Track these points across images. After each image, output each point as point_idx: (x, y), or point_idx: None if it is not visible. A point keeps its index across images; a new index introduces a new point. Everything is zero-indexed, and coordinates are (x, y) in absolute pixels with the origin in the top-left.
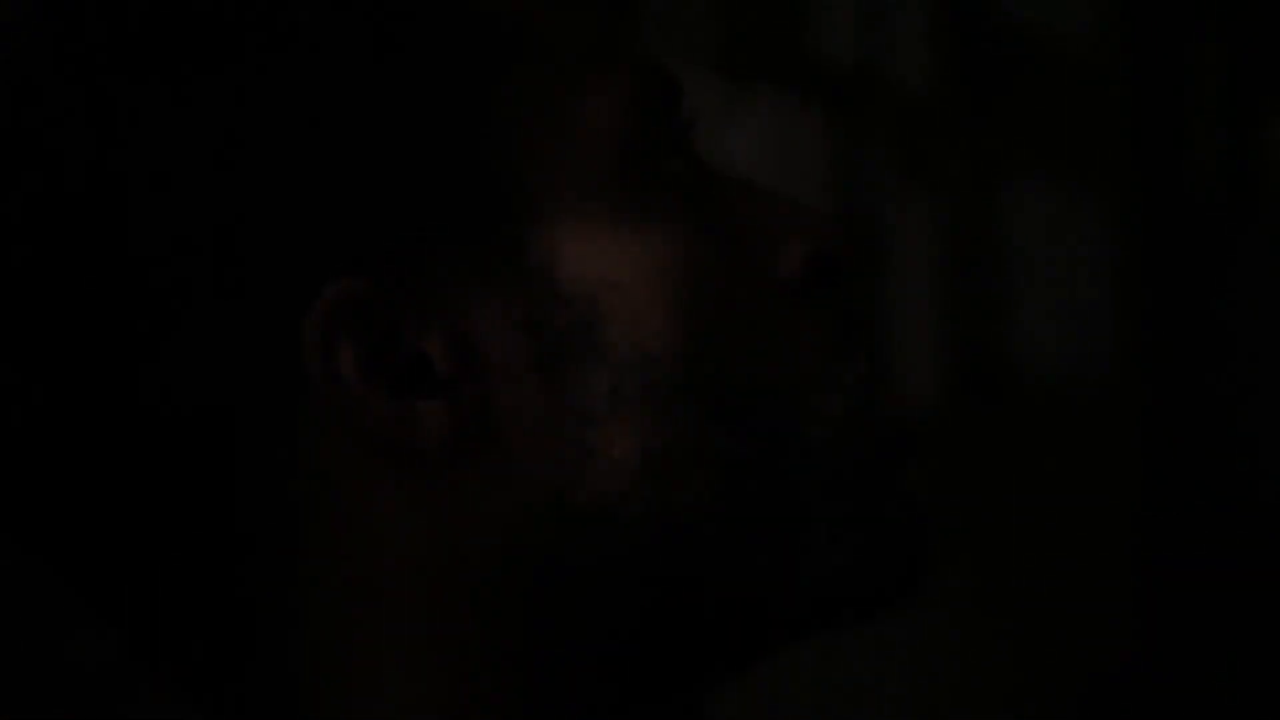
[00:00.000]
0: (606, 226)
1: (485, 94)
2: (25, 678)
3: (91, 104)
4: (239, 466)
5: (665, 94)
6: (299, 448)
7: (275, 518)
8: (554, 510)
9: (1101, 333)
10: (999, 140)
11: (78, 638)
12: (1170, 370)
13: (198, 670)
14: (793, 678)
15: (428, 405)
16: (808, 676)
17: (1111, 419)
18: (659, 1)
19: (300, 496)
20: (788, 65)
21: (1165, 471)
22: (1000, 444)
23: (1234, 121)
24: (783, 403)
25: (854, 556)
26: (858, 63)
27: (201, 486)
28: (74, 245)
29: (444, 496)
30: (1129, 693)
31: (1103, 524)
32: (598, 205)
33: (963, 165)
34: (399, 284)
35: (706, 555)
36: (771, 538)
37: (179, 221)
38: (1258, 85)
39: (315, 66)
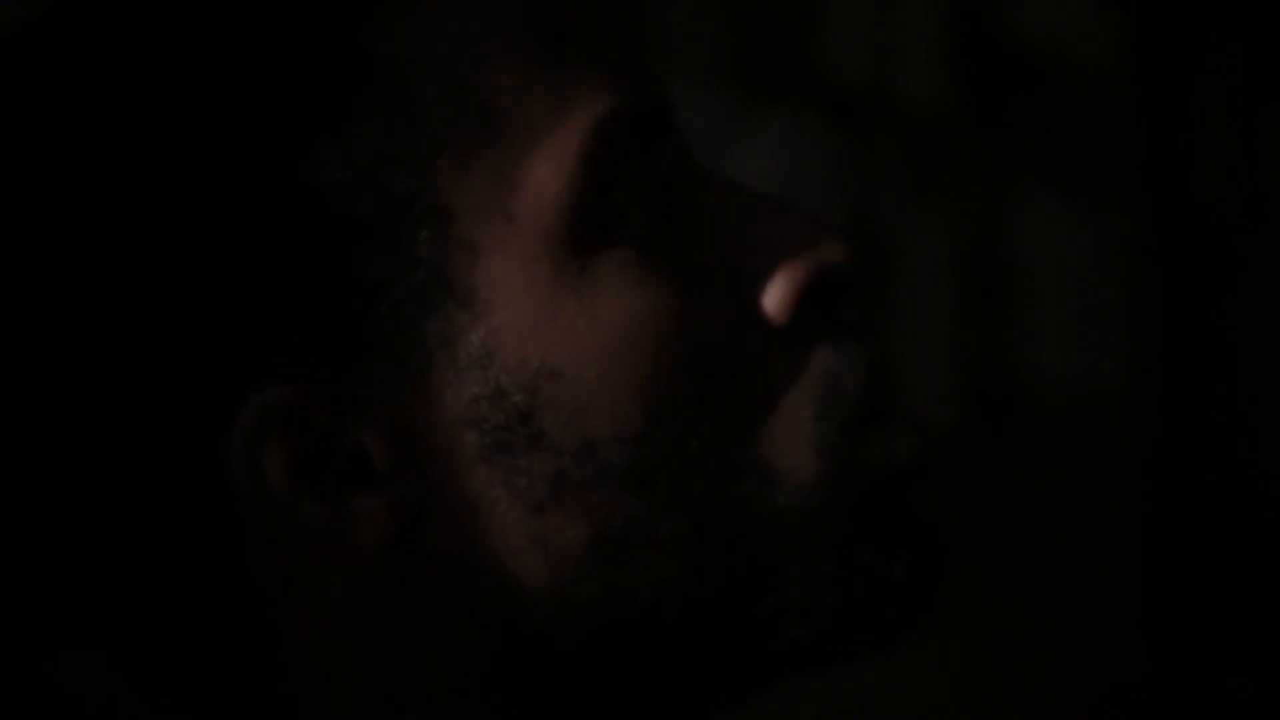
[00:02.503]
0: (548, 308)
1: (412, 187)
2: (22, 687)
3: (37, 212)
4: (198, 562)
5: (634, 135)
6: (244, 548)
7: (237, 603)
8: (506, 594)
9: (1113, 347)
10: (1010, 156)
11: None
12: (1181, 384)
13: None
14: (791, 685)
15: (366, 503)
16: (807, 685)
17: (1122, 433)
18: (670, 20)
19: (256, 587)
20: (799, 82)
21: (1176, 485)
22: (1011, 458)
23: (1244, 136)
24: (750, 474)
25: (836, 617)
26: (869, 80)
27: (169, 572)
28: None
29: (392, 587)
30: (1144, 712)
31: (1113, 539)
32: (540, 286)
33: (974, 181)
34: (330, 386)
35: (673, 628)
36: (743, 608)
37: (114, 339)
38: (1267, 98)
39: (230, 174)
